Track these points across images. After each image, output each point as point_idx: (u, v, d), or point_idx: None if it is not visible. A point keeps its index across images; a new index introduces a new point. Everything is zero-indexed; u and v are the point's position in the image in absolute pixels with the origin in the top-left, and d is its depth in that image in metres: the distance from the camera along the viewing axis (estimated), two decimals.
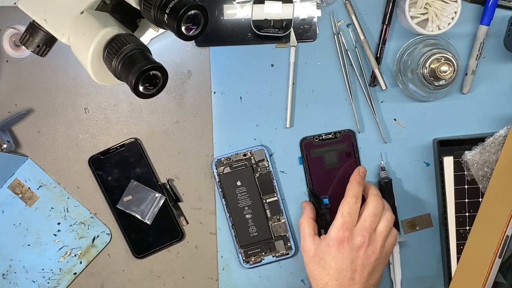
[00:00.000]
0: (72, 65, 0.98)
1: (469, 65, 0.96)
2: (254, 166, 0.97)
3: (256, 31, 0.95)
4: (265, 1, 0.94)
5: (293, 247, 0.98)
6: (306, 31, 0.97)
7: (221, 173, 0.97)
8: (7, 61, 0.98)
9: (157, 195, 0.98)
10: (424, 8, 0.92)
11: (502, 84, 0.98)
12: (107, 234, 0.99)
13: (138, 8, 0.70)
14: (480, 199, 0.95)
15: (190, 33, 0.68)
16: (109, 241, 0.99)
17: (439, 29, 0.92)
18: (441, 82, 0.89)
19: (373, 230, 0.86)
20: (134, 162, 0.98)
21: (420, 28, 0.92)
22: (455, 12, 0.92)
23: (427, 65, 0.89)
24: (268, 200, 0.97)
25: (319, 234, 0.90)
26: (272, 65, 0.98)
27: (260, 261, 0.98)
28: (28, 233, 0.99)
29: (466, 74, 0.97)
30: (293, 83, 0.97)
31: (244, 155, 0.97)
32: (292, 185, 0.98)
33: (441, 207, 0.97)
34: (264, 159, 0.97)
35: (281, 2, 0.94)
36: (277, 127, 0.98)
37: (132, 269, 1.00)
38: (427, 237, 0.99)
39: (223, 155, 0.97)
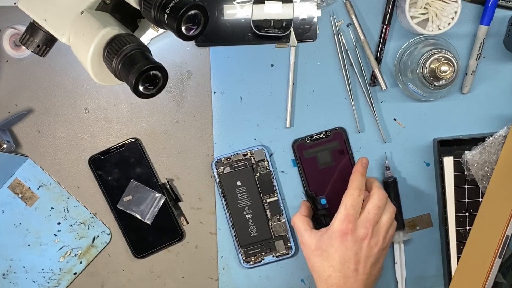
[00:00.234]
0: (72, 65, 0.98)
1: (469, 65, 0.96)
2: (254, 166, 0.97)
3: (256, 31, 0.95)
4: (265, 1, 0.94)
5: (293, 247, 0.98)
6: (306, 31, 0.97)
7: (221, 173, 0.97)
8: (7, 61, 0.98)
9: (157, 195, 0.98)
10: (424, 8, 0.92)
11: (502, 84, 0.98)
12: (107, 234, 0.99)
13: (138, 8, 0.70)
14: (480, 199, 0.95)
15: (190, 33, 0.68)
16: (109, 241, 0.99)
17: (439, 29, 0.92)
18: (441, 82, 0.89)
19: (376, 222, 0.86)
20: (134, 162, 0.98)
21: (420, 28, 0.92)
22: (455, 12, 0.92)
23: (427, 65, 0.89)
24: (268, 200, 0.97)
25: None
26: (272, 65, 0.98)
27: (260, 261, 0.98)
28: (28, 233, 0.99)
29: (466, 74, 0.97)
30: (293, 83, 0.97)
31: (244, 155, 0.97)
32: (292, 185, 0.98)
33: (441, 207, 0.96)
34: (264, 159, 0.97)
35: (281, 2, 0.94)
36: (277, 127, 0.98)
37: (132, 269, 1.00)
38: (427, 237, 0.99)
39: (223, 155, 0.97)
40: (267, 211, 0.97)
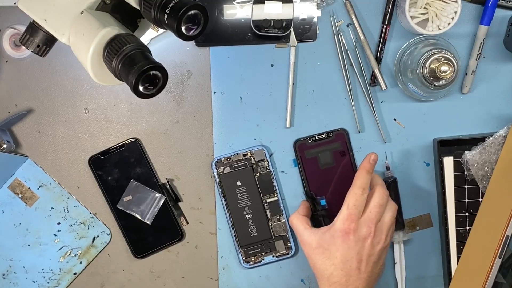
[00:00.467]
0: (72, 65, 0.98)
1: (469, 65, 0.96)
2: (254, 166, 0.97)
3: (256, 31, 0.95)
4: (265, 1, 0.94)
5: (293, 247, 0.98)
6: (306, 31, 0.97)
7: (221, 173, 0.97)
8: (7, 61, 0.98)
9: (157, 195, 0.98)
10: (424, 8, 0.92)
11: (502, 84, 0.98)
12: (107, 234, 0.99)
13: (138, 8, 0.70)
14: (480, 199, 0.95)
15: (190, 33, 0.68)
16: (109, 241, 0.99)
17: (439, 29, 0.92)
18: (441, 82, 0.89)
19: (379, 220, 0.86)
20: (134, 162, 0.98)
21: (420, 28, 0.92)
22: (455, 12, 0.92)
23: (427, 65, 0.89)
24: (268, 200, 0.97)
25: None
26: (272, 65, 0.98)
27: (260, 261, 0.98)
28: (28, 233, 0.99)
29: (466, 74, 0.97)
30: (293, 83, 0.97)
31: (244, 155, 0.97)
32: (292, 185, 0.98)
33: (441, 207, 0.96)
34: (264, 159, 0.97)
35: (281, 2, 0.94)
36: (277, 127, 0.98)
37: (132, 269, 1.00)
38: (427, 237, 0.99)
39: (223, 155, 0.97)
40: (267, 211, 0.97)
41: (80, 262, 0.99)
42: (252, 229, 0.97)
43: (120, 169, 0.98)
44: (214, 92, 0.98)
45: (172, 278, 1.00)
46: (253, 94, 0.98)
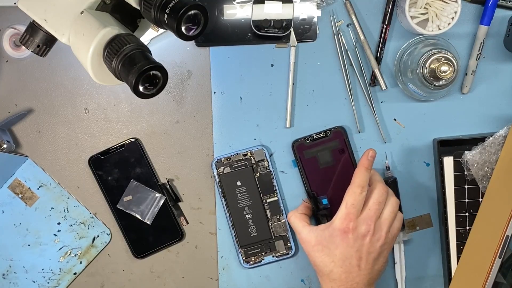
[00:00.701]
0: (72, 65, 0.98)
1: (469, 65, 0.96)
2: (254, 166, 0.97)
3: (256, 31, 0.95)
4: (265, 1, 0.94)
5: (293, 247, 0.98)
6: (306, 31, 0.97)
7: (221, 173, 0.97)
8: (7, 61, 0.98)
9: (157, 195, 0.98)
10: (424, 8, 0.92)
11: (502, 84, 0.98)
12: (107, 234, 0.99)
13: (138, 8, 0.70)
14: (480, 199, 0.95)
15: (190, 33, 0.68)
16: (109, 241, 0.99)
17: (439, 29, 0.92)
18: (441, 82, 0.89)
19: (378, 217, 0.86)
20: (134, 162, 0.98)
21: (420, 28, 0.92)
22: (455, 12, 0.92)
23: (427, 65, 0.89)
24: (268, 200, 0.97)
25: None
26: (272, 65, 0.98)
27: (260, 261, 0.98)
28: (28, 233, 0.99)
29: (466, 74, 0.97)
30: (293, 83, 0.97)
31: (244, 155, 0.97)
32: (292, 185, 0.98)
33: (441, 207, 0.96)
34: (264, 159, 0.97)
35: (281, 2, 0.94)
36: (277, 127, 0.98)
37: (132, 269, 1.00)
38: (427, 237, 0.99)
39: (223, 155, 0.97)
40: (267, 211, 0.97)
41: (80, 262, 0.99)
42: (252, 229, 0.97)
43: (120, 169, 0.98)
44: (214, 92, 0.98)
45: (172, 278, 1.00)
46: (253, 94, 0.98)
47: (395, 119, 0.98)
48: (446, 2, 0.92)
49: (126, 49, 0.67)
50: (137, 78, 0.65)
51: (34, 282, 0.99)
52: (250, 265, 0.98)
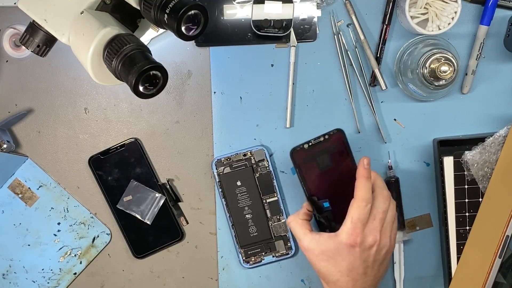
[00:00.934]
0: (72, 65, 0.98)
1: (469, 65, 0.96)
2: (254, 166, 0.97)
3: (256, 31, 0.95)
4: (265, 1, 0.94)
5: (293, 247, 0.98)
6: (306, 31, 0.97)
7: (221, 173, 0.97)
8: (7, 61, 0.98)
9: (157, 195, 0.98)
10: (424, 8, 0.92)
11: (502, 84, 0.98)
12: (107, 234, 0.99)
13: (138, 8, 0.70)
14: (480, 199, 0.95)
15: (190, 33, 0.68)
16: (109, 241, 0.99)
17: (439, 29, 0.92)
18: (441, 82, 0.89)
19: (382, 225, 0.85)
20: (134, 162, 0.98)
21: (420, 28, 0.92)
22: (455, 12, 0.92)
23: (427, 65, 0.89)
24: (268, 200, 0.97)
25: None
26: (272, 65, 0.98)
27: (260, 261, 0.98)
28: (28, 233, 0.99)
29: (466, 74, 0.97)
30: (293, 83, 0.97)
31: (244, 155, 0.97)
32: (293, 185, 0.98)
33: (441, 207, 0.96)
34: (264, 159, 0.97)
35: (281, 2, 0.94)
36: (277, 127, 0.98)
37: (132, 269, 1.00)
38: (427, 237, 0.99)
39: (223, 155, 0.97)
40: (267, 211, 0.97)
41: (80, 262, 0.99)
42: (252, 229, 0.97)
43: (120, 169, 0.98)
44: (214, 92, 0.98)
45: (172, 278, 1.00)
46: (253, 94, 0.98)
47: (395, 119, 0.98)
48: (446, 2, 0.92)
49: (126, 49, 0.67)
50: (137, 78, 0.65)
51: (34, 282, 0.99)
52: (250, 265, 0.98)
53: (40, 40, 0.77)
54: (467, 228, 0.96)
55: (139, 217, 0.98)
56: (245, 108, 0.98)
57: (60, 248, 0.99)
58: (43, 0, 0.74)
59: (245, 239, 0.97)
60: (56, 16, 0.73)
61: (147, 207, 0.98)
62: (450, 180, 0.96)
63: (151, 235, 0.99)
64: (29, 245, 0.99)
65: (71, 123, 0.99)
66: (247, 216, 0.97)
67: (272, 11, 0.94)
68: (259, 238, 0.97)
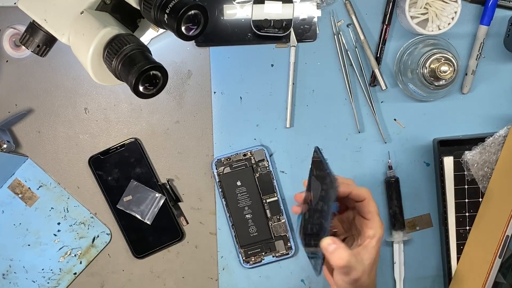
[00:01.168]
0: (72, 65, 0.98)
1: (469, 65, 0.96)
2: (254, 166, 0.97)
3: (256, 31, 0.95)
4: (265, 1, 0.94)
5: (293, 247, 0.98)
6: (306, 31, 0.97)
7: (221, 173, 0.97)
8: (7, 61, 0.98)
9: (157, 195, 0.98)
10: (424, 8, 0.92)
11: (502, 84, 0.98)
12: (107, 234, 0.99)
13: (138, 8, 0.70)
14: (480, 199, 0.95)
15: (190, 33, 0.68)
16: (109, 241, 0.99)
17: (439, 29, 0.92)
18: (441, 82, 0.89)
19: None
20: (134, 162, 0.98)
21: (420, 28, 0.92)
22: (455, 12, 0.92)
23: (427, 65, 0.89)
24: (268, 200, 0.97)
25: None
26: (272, 65, 0.98)
27: (260, 261, 0.98)
28: (28, 233, 0.99)
29: (466, 74, 0.97)
30: (293, 83, 0.97)
31: (244, 155, 0.97)
32: (292, 185, 0.98)
33: (441, 207, 0.96)
34: (264, 159, 0.97)
35: (281, 2, 0.94)
36: (277, 127, 0.98)
37: (132, 269, 1.00)
38: (427, 237, 0.99)
39: (223, 155, 0.97)
40: (267, 211, 0.97)
41: (80, 262, 0.99)
42: (252, 229, 0.97)
43: (120, 169, 0.98)
44: (214, 92, 0.98)
45: (172, 278, 1.00)
46: (253, 94, 0.98)
47: (395, 119, 0.98)
48: (446, 2, 0.92)
49: (126, 49, 0.67)
50: (137, 78, 0.65)
51: (34, 282, 0.99)
52: (250, 265, 0.98)
53: (40, 40, 0.77)
54: (467, 228, 0.96)
55: (139, 217, 0.98)
56: (245, 108, 0.98)
57: (60, 248, 0.99)
58: (43, 0, 0.74)
59: (245, 239, 0.97)
60: (56, 16, 0.73)
61: (147, 207, 0.98)
62: (450, 180, 0.96)
63: (151, 235, 0.99)
64: (29, 245, 0.99)
65: (71, 123, 0.99)
66: (247, 216, 0.97)
67: (272, 11, 0.94)
68: (259, 238, 0.97)
